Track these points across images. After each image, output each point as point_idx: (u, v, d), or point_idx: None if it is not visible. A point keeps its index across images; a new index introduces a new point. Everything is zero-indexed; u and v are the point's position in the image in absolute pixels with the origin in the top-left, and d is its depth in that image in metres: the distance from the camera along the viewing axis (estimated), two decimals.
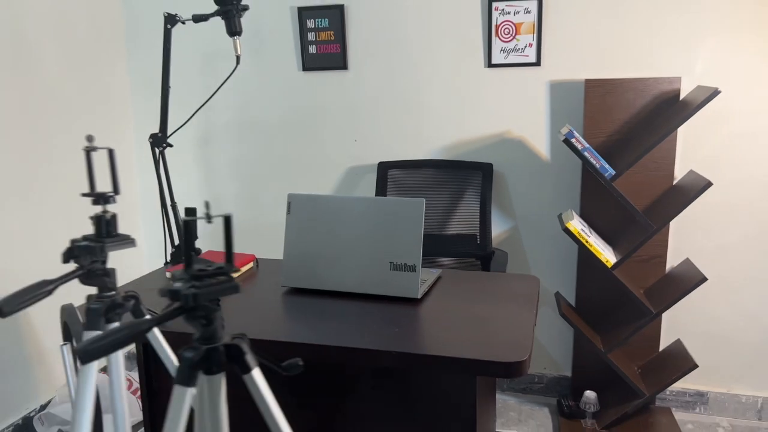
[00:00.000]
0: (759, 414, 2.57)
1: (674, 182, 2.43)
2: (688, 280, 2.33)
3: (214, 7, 1.87)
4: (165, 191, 2.01)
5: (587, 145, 2.23)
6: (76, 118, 2.71)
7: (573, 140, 2.23)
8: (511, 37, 2.53)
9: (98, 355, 0.88)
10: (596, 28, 2.45)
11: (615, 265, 2.31)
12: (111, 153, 1.25)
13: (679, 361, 2.41)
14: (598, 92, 2.41)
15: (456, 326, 1.48)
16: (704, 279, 2.24)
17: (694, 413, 2.64)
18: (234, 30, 1.86)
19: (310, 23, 2.73)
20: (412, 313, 1.57)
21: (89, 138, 1.22)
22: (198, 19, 1.88)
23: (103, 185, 2.75)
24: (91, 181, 1.26)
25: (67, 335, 1.26)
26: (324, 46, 2.75)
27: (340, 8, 2.69)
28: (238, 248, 3.07)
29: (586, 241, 2.31)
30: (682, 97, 2.37)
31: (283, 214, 2.97)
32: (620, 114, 2.41)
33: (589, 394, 2.48)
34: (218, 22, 2.84)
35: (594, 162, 2.23)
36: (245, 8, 1.86)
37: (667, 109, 2.36)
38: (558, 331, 2.76)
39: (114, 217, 1.21)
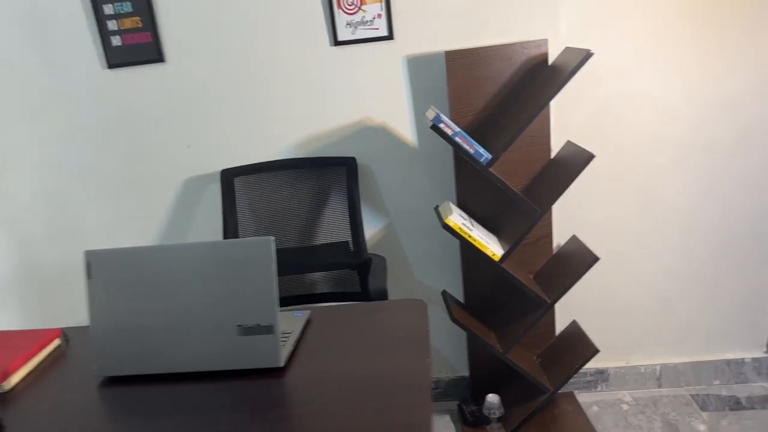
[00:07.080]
0: (659, 381, 2.50)
1: (552, 156, 2.22)
2: (578, 261, 2.14)
3: None
4: None
5: (458, 129, 1.93)
6: None
7: (441, 125, 1.92)
8: (356, 8, 2.16)
9: None
10: None
11: (502, 259, 2.06)
12: None
13: (579, 347, 2.24)
14: (462, 64, 2.12)
15: (340, 398, 1.12)
16: (596, 259, 2.05)
17: (597, 392, 2.52)
18: None
19: (107, 8, 2.18)
20: (277, 390, 1.18)
21: None
22: None
23: None
24: None
25: None
26: (131, 35, 2.21)
27: None
28: (46, 307, 2.50)
29: (469, 236, 2.04)
30: (551, 61, 2.14)
31: (106, 247, 2.44)
32: (488, 86, 2.14)
33: (492, 398, 2.25)
34: None
35: (467, 147, 1.94)
36: None
37: (537, 76, 2.12)
38: (449, 332, 2.51)
39: None
